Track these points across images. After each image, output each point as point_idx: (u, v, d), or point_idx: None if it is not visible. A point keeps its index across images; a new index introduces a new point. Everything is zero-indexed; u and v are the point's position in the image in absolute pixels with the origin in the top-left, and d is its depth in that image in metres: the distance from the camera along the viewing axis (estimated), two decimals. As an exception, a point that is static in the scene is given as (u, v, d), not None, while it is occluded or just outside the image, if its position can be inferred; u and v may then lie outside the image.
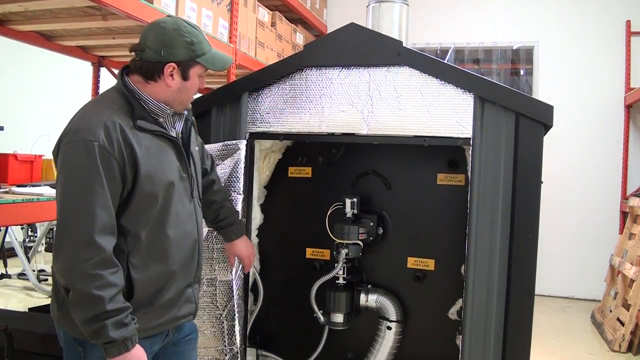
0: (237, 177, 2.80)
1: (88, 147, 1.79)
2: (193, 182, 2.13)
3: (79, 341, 1.93)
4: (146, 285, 1.95)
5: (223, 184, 2.73)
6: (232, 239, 2.63)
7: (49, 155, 4.34)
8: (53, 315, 2.02)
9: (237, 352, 2.79)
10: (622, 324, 5.02)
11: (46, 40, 4.45)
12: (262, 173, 3.16)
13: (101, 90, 5.41)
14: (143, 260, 1.93)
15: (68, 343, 1.98)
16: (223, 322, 2.78)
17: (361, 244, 2.94)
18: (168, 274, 2.01)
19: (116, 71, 5.40)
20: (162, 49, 1.93)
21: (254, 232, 3.16)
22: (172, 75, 1.97)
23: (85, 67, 5.43)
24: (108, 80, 5.41)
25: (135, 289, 1.91)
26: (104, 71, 5.37)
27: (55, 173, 1.88)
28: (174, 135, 2.06)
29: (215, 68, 2.06)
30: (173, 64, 1.96)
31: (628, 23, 6.74)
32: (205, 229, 2.69)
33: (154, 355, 2.10)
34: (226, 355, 2.78)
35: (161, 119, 2.02)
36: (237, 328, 2.78)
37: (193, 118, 2.29)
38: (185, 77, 2.00)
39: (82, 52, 4.94)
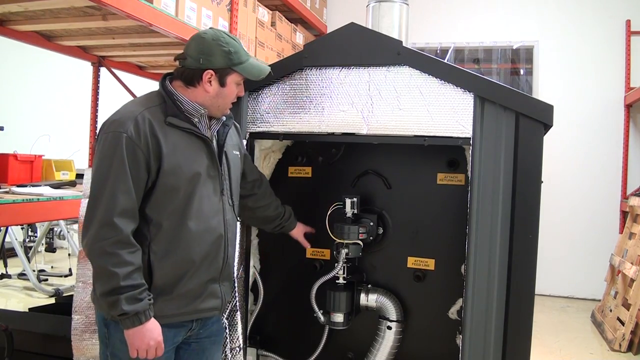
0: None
1: (117, 138, 1.97)
2: (224, 181, 2.23)
3: (105, 323, 2.08)
4: (165, 272, 2.06)
5: None
6: (293, 227, 2.88)
7: (49, 155, 4.36)
8: (91, 296, 2.18)
9: (240, 350, 2.79)
10: (623, 323, 5.02)
11: (46, 40, 4.46)
12: (262, 173, 3.14)
13: (101, 91, 5.44)
14: (163, 248, 2.05)
15: (99, 323, 2.14)
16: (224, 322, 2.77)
17: (361, 243, 2.94)
18: (188, 264, 2.09)
19: (116, 71, 5.41)
20: (202, 57, 2.10)
21: (254, 232, 3.16)
22: (210, 81, 2.13)
23: (85, 67, 5.43)
24: (108, 80, 5.42)
25: (154, 274, 2.04)
26: (104, 71, 5.37)
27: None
28: (207, 135, 2.17)
29: (251, 76, 2.20)
30: (211, 71, 2.12)
31: (628, 22, 6.75)
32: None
33: (177, 347, 2.20)
34: (227, 354, 2.77)
35: (196, 119, 2.14)
36: (239, 327, 2.78)
37: (237, 124, 2.46)
38: (222, 83, 2.15)
39: (82, 52, 4.95)
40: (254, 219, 2.78)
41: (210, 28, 2.28)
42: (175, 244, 2.07)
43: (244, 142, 2.84)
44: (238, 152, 2.42)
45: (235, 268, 2.78)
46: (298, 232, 2.91)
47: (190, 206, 2.08)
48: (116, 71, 5.40)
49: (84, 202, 2.58)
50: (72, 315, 2.74)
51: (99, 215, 1.93)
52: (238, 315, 2.75)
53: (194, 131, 2.11)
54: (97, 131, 2.11)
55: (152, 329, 1.98)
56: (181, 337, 2.18)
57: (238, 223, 2.71)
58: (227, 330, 2.70)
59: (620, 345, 4.92)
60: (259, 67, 2.22)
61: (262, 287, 3.19)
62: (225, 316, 2.65)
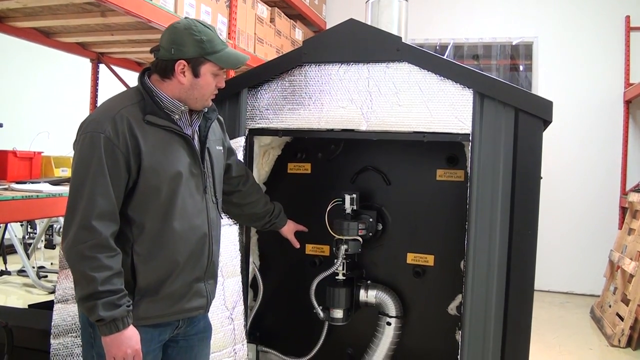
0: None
1: (94, 139, 1.91)
2: (206, 179, 2.18)
3: (90, 323, 2.01)
4: (150, 273, 2.01)
5: None
6: (279, 228, 2.86)
7: (48, 152, 4.35)
8: (74, 296, 2.12)
9: (246, 350, 2.80)
10: (622, 319, 5.03)
11: (45, 36, 4.44)
12: (262, 169, 3.15)
13: (100, 87, 5.43)
14: (147, 250, 2.01)
15: (82, 323, 2.09)
16: (233, 322, 2.77)
17: (360, 239, 2.95)
18: (172, 265, 2.05)
19: (115, 68, 5.40)
20: (173, 47, 2.03)
21: (254, 229, 3.16)
22: (183, 72, 2.06)
23: (84, 64, 5.42)
24: (107, 77, 5.41)
25: (138, 276, 2.00)
26: (103, 68, 5.36)
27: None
28: (188, 132, 2.12)
29: (227, 66, 2.12)
30: (183, 62, 2.04)
31: (627, 18, 6.74)
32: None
33: (164, 345, 2.16)
34: (236, 353, 2.78)
35: (176, 116, 2.09)
36: (242, 326, 2.79)
37: (220, 117, 2.39)
38: (196, 74, 2.08)
39: (80, 49, 4.93)
40: (242, 216, 2.73)
41: (185, 17, 2.19)
42: (159, 244, 2.03)
43: (243, 139, 2.84)
44: (221, 147, 2.36)
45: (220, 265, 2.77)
46: (289, 229, 2.89)
47: (173, 206, 2.04)
48: (115, 68, 5.39)
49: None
50: (51, 340, 2.47)
51: (77, 218, 1.88)
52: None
53: (174, 129, 2.06)
54: (76, 133, 2.04)
55: (130, 337, 1.92)
56: (167, 336, 2.14)
57: (225, 220, 2.71)
58: None
59: (619, 340, 4.93)
60: (236, 55, 2.14)
61: (261, 283, 3.20)
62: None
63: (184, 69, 2.05)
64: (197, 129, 2.19)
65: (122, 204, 1.97)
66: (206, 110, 2.21)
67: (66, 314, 2.48)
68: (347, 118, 2.74)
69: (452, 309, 3.00)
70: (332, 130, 2.79)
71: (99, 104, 5.44)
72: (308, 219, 3.13)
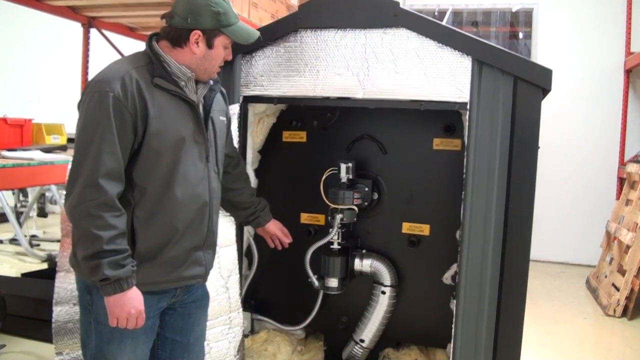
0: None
1: (103, 98, 1.91)
2: (209, 147, 2.20)
3: (89, 290, 2.04)
4: (149, 238, 2.03)
5: None
6: (263, 223, 2.75)
7: (39, 119, 4.33)
8: (70, 261, 2.13)
9: (241, 318, 2.83)
10: (617, 289, 5.09)
11: (35, 0, 4.38)
12: (256, 137, 3.15)
13: (92, 53, 5.37)
14: (147, 214, 2.02)
15: (80, 290, 2.11)
16: (228, 290, 2.80)
17: (356, 209, 2.96)
18: (172, 231, 2.07)
19: (107, 32, 5.34)
20: (190, 17, 2.04)
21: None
22: (197, 42, 2.07)
23: (75, 29, 5.36)
24: (98, 42, 5.35)
25: (137, 240, 2.01)
26: (94, 32, 5.30)
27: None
28: (194, 99, 2.13)
29: (240, 40, 2.15)
30: (199, 32, 2.05)
31: (630, -15, 6.67)
32: None
33: (162, 312, 2.19)
34: (231, 321, 2.80)
35: (182, 82, 2.09)
36: (238, 295, 2.81)
37: (223, 90, 2.39)
38: (210, 45, 2.09)
39: (71, 13, 4.87)
40: (226, 202, 2.64)
41: None
42: (159, 210, 2.04)
43: (237, 106, 2.83)
44: (224, 118, 2.38)
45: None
46: (275, 227, 2.79)
47: (175, 172, 2.05)
48: (107, 33, 5.33)
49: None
50: (53, 307, 2.54)
51: (83, 176, 1.89)
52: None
53: (180, 94, 2.07)
54: (82, 92, 2.04)
55: (134, 297, 1.94)
56: (165, 303, 2.17)
57: None
58: None
59: (614, 310, 5.00)
60: (248, 30, 2.18)
61: (256, 252, 3.22)
62: None
63: (199, 39, 2.06)
64: (201, 98, 2.20)
65: (126, 166, 1.99)
66: (212, 82, 2.23)
67: (68, 282, 2.53)
68: (343, 85, 2.72)
69: (447, 278, 3.02)
70: (328, 98, 2.78)
71: (90, 70, 5.41)
72: (303, 188, 3.15)
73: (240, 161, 2.68)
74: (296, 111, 3.22)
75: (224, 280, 2.77)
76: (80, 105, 1.99)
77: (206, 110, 2.20)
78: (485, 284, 2.54)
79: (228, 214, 2.74)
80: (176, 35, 2.07)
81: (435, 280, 3.05)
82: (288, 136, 3.28)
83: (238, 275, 2.85)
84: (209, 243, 2.24)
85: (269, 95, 2.86)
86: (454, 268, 2.95)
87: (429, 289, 3.08)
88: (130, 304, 1.93)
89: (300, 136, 3.27)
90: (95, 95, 1.93)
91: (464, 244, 2.56)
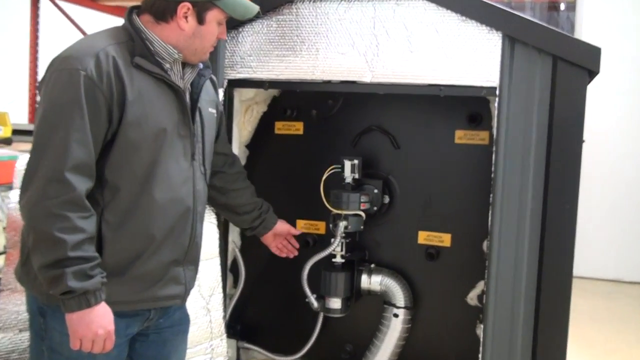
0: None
1: (73, 77, 1.89)
2: (196, 143, 2.20)
3: (42, 311, 2.02)
4: (118, 248, 2.02)
5: None
6: (271, 227, 2.83)
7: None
8: (16, 273, 2.12)
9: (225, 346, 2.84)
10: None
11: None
12: (243, 129, 3.16)
13: (42, 29, 5.37)
14: (119, 218, 2.02)
15: (31, 312, 2.09)
16: (210, 313, 2.81)
17: (363, 215, 2.96)
18: (147, 240, 2.06)
19: (62, 3, 5.34)
20: None
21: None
22: (186, 16, 2.07)
23: (22, 1, 5.36)
24: (51, 16, 5.35)
25: (104, 250, 1.99)
26: (45, 4, 5.29)
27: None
28: (180, 85, 2.13)
29: (236, 15, 2.16)
30: (188, 4, 2.05)
31: (693, -54, 6.69)
32: None
33: (132, 339, 2.17)
34: (213, 350, 2.81)
35: (167, 65, 2.10)
36: (221, 318, 2.82)
37: (213, 77, 2.40)
38: (201, 20, 2.10)
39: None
40: (226, 206, 2.73)
41: None
42: (134, 214, 2.03)
43: (220, 91, 2.84)
44: (214, 110, 2.39)
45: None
46: (283, 228, 2.90)
47: (155, 170, 2.05)
48: (61, 3, 5.32)
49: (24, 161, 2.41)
50: None
51: (45, 169, 1.86)
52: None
53: (164, 77, 2.06)
54: (45, 69, 2.01)
55: (102, 315, 1.92)
56: (136, 328, 2.15)
57: None
58: None
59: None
60: (246, 4, 2.18)
61: (243, 267, 3.22)
62: None
63: (188, 12, 2.06)
64: (189, 84, 2.20)
65: (96, 160, 1.97)
66: (201, 66, 2.23)
67: (13, 303, 2.52)
68: (347, 67, 2.73)
69: (472, 298, 3.02)
70: (329, 82, 2.79)
71: (41, 49, 5.41)
72: (300, 190, 3.15)
73: (236, 159, 2.72)
74: (291, 98, 3.22)
75: (204, 300, 2.78)
76: (43, 85, 1.97)
77: (193, 99, 2.21)
78: (519, 306, 2.55)
79: (211, 218, 2.75)
80: (161, 8, 2.06)
81: (457, 300, 3.05)
82: (281, 128, 3.28)
83: (222, 295, 2.86)
84: (191, 257, 2.23)
85: (258, 78, 2.87)
86: (480, 286, 2.96)
87: (451, 311, 3.08)
88: (97, 323, 1.91)
89: (296, 128, 3.27)
90: (63, 73, 1.91)
91: (492, 257, 2.56)
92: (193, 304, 2.69)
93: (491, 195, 2.58)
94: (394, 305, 3.06)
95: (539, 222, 2.52)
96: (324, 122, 3.23)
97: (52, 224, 1.84)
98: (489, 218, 2.59)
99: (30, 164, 1.91)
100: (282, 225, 2.87)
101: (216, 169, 2.58)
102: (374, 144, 3.17)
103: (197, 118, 2.22)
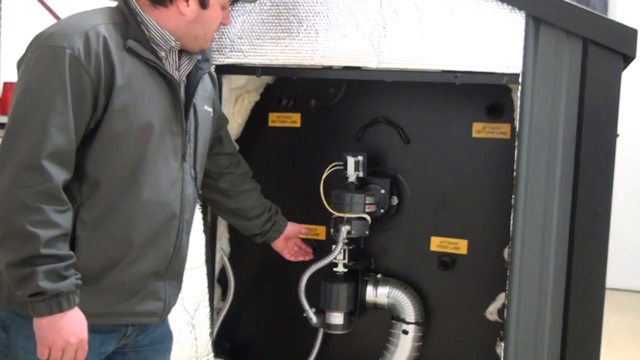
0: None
1: (57, 55, 1.88)
2: (188, 143, 2.20)
3: (4, 325, 2.01)
4: (93, 251, 2.01)
5: None
6: (282, 229, 2.89)
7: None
8: None
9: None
10: None
11: None
12: (233, 121, 3.14)
13: (5, 13, 5.35)
14: (96, 218, 2.01)
15: None
16: (195, 329, 2.80)
17: (368, 218, 2.94)
18: (125, 244, 2.05)
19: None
20: None
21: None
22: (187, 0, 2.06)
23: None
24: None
25: (77, 252, 1.96)
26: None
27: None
28: (175, 76, 2.13)
29: None
30: None
31: None
32: None
33: (108, 358, 2.17)
34: None
35: (162, 53, 2.09)
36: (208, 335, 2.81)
37: (213, 72, 2.45)
38: (204, 4, 2.10)
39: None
40: (233, 212, 2.75)
41: None
42: (113, 214, 2.02)
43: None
44: (211, 109, 2.39)
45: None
46: (294, 229, 2.93)
47: (141, 167, 2.04)
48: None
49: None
50: None
51: (19, 154, 1.84)
52: None
53: (158, 65, 2.06)
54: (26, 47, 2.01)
55: (75, 321, 1.91)
56: (112, 347, 2.15)
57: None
58: None
59: None
60: None
61: (232, 277, 3.21)
62: None
63: None
64: (184, 77, 2.20)
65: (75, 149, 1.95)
66: (200, 56, 2.23)
67: None
68: (351, 51, 2.72)
69: (491, 312, 3.01)
70: (330, 68, 2.78)
71: (3, 33, 5.38)
72: (296, 190, 3.14)
73: (242, 159, 2.75)
74: (287, 86, 3.22)
75: (189, 315, 2.78)
76: (21, 63, 1.97)
77: (189, 93, 2.21)
78: (544, 320, 2.53)
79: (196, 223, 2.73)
80: None
81: (475, 315, 3.04)
82: (276, 119, 3.29)
83: (208, 309, 2.87)
84: (174, 271, 2.22)
85: (250, 64, 2.86)
86: (501, 299, 2.93)
87: (467, 327, 3.08)
88: (69, 329, 1.89)
89: (293, 119, 3.27)
90: (47, 50, 1.90)
91: (514, 266, 2.55)
92: (176, 320, 2.67)
93: (513, 195, 2.56)
94: (403, 321, 3.05)
95: (567, 227, 2.50)
96: (324, 113, 3.23)
97: (24, 217, 1.82)
98: (511, 222, 2.56)
99: (3, 148, 1.88)
100: (292, 227, 2.90)
101: (222, 170, 2.63)
102: (381, 138, 3.16)
103: (191, 115, 2.22)
